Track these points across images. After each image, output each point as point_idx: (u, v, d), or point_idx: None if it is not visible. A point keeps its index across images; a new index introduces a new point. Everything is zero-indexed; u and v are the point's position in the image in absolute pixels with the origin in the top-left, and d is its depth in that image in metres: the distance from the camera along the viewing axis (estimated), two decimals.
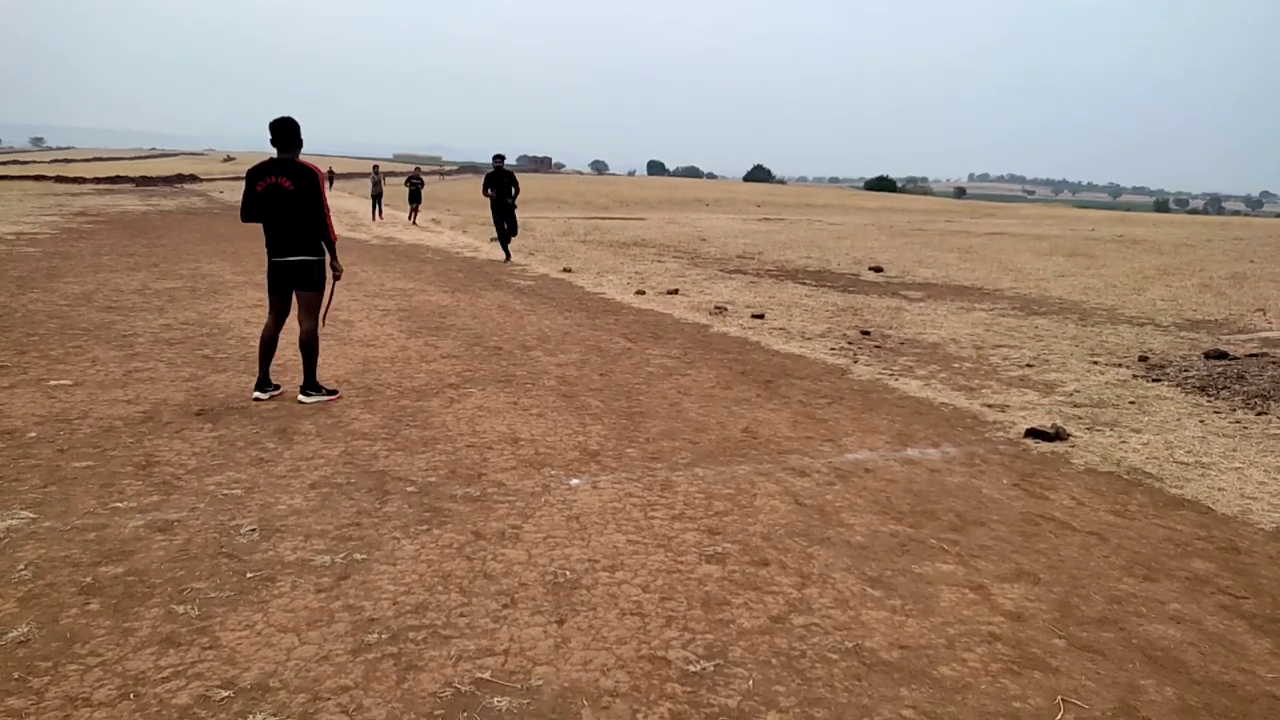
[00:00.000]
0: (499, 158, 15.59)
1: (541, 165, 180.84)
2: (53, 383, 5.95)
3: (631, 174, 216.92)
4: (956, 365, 7.83)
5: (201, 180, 55.71)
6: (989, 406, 6.39)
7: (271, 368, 5.90)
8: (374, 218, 25.42)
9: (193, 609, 3.03)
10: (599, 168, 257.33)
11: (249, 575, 3.30)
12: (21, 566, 3.28)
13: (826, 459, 5.03)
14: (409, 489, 4.29)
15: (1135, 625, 3.24)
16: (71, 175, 54.65)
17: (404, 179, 26.25)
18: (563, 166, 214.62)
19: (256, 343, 7.32)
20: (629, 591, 3.33)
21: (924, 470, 4.90)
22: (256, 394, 5.72)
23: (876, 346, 8.58)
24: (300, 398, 5.69)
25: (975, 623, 3.20)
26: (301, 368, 5.79)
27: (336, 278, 5.87)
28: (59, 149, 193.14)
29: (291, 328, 5.77)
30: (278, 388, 5.88)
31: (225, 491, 4.14)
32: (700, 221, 31.51)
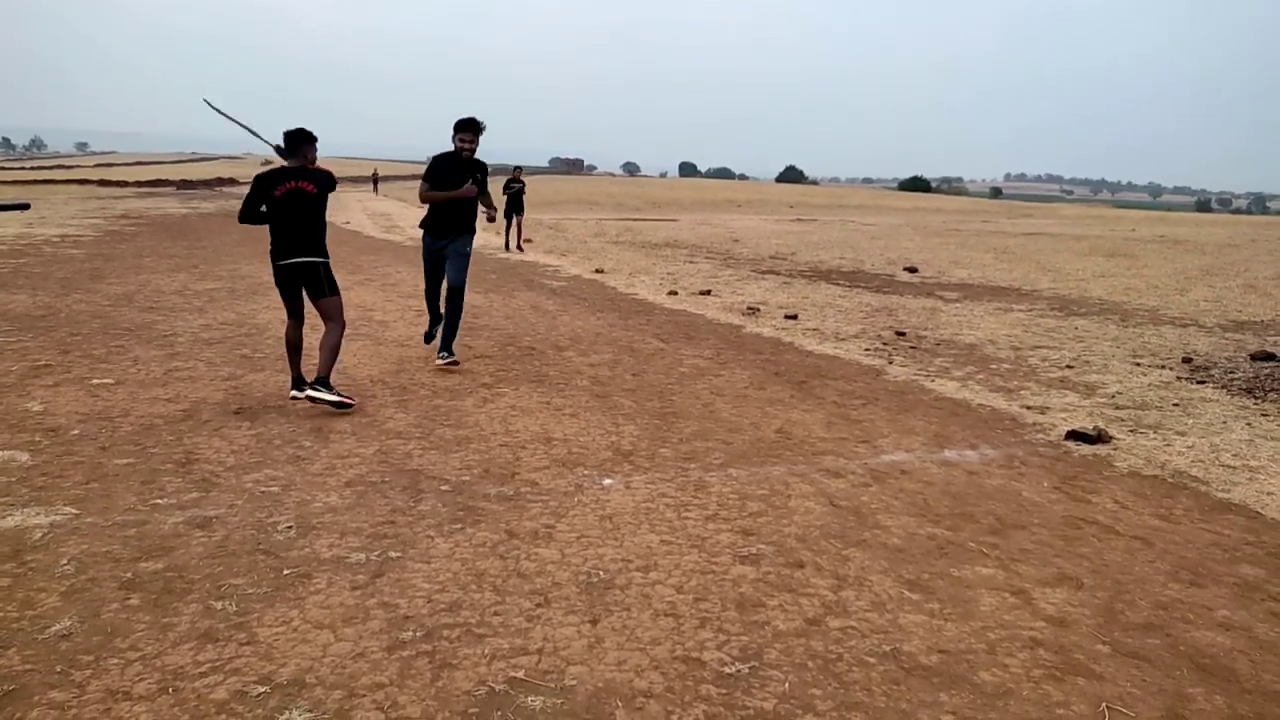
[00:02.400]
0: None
1: (574, 167, 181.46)
2: (95, 381, 6.06)
3: (663, 175, 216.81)
4: (994, 366, 7.71)
5: (240, 183, 56.43)
6: (1028, 408, 6.29)
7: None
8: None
9: (230, 605, 3.05)
10: (630, 169, 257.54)
11: (286, 572, 3.32)
12: (64, 561, 3.33)
13: (862, 460, 4.98)
14: (443, 488, 4.30)
15: (1182, 632, 3.16)
16: (114, 179, 55.81)
17: (507, 186, 18.20)
18: (594, 169, 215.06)
19: None
20: (663, 592, 3.30)
21: (962, 472, 4.83)
22: (294, 393, 5.71)
23: (912, 347, 8.48)
24: (309, 391, 5.51)
25: (1016, 627, 3.14)
26: (319, 363, 5.64)
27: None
28: (102, 153, 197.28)
29: (317, 325, 5.81)
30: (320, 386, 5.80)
31: (263, 489, 4.18)
32: (732, 222, 31.43)
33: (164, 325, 8.24)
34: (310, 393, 5.52)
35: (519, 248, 17.62)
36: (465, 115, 6.67)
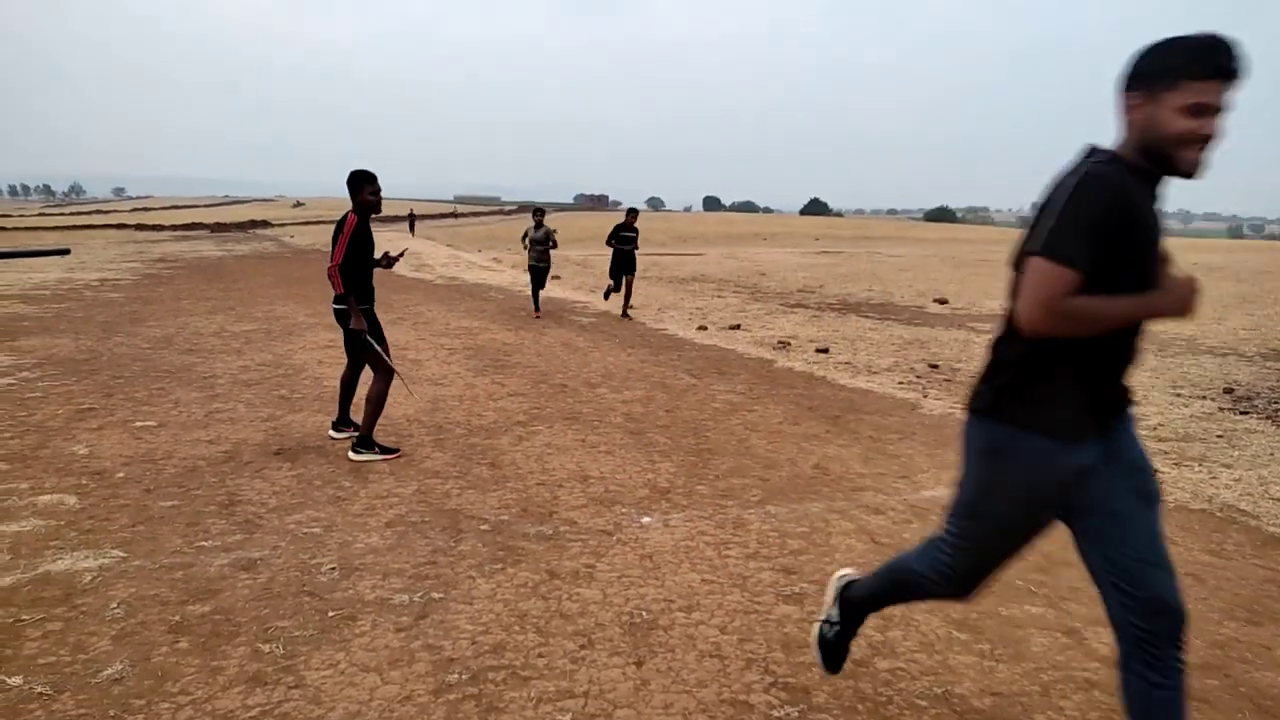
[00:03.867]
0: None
1: (597, 203, 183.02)
2: (138, 424, 6.15)
3: (688, 210, 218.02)
4: None
5: (273, 225, 57.70)
6: None
7: (353, 409, 5.99)
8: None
9: (278, 648, 3.07)
10: (655, 204, 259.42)
11: (330, 614, 3.34)
12: (114, 605, 3.37)
13: (901, 496, 4.93)
14: (482, 527, 4.31)
15: (1241, 672, 3.08)
16: (151, 223, 57.11)
17: (609, 234, 13.74)
18: (619, 204, 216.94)
19: (331, 384, 7.54)
20: (707, 633, 3.28)
21: None
22: (331, 432, 5.82)
23: (946, 380, 8.41)
24: (350, 454, 5.43)
25: (1070, 669, 3.08)
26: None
27: (354, 334, 5.57)
28: (138, 198, 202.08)
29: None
30: (356, 428, 5.79)
31: (305, 530, 4.21)
32: (759, 256, 31.50)
33: (203, 367, 8.36)
34: (350, 455, 5.43)
35: (625, 314, 13.10)
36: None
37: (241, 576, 3.66)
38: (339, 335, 5.61)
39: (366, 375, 5.80)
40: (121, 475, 4.99)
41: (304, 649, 3.07)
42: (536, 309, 13.11)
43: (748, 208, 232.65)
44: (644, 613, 3.43)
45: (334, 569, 3.76)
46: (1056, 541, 4.23)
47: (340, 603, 3.44)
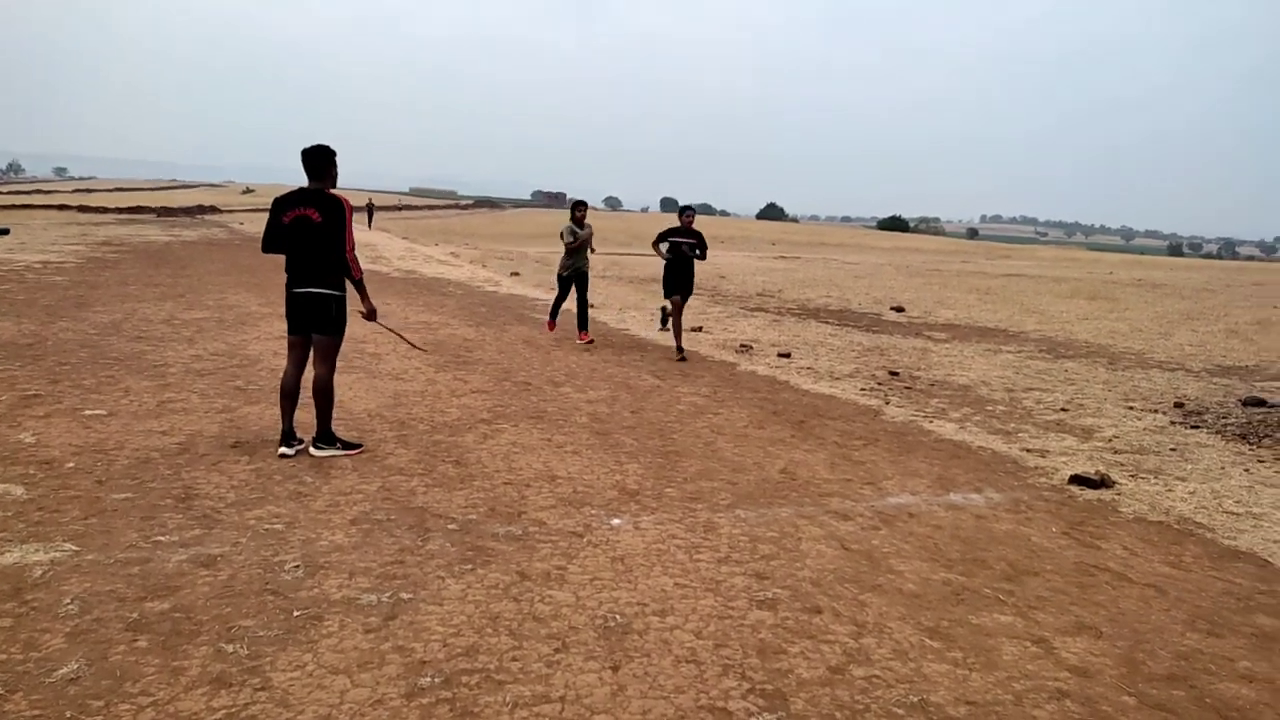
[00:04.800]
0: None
1: (554, 201, 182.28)
2: (87, 412, 5.94)
3: (645, 210, 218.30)
4: (990, 408, 7.75)
5: (222, 211, 56.31)
6: (1028, 451, 6.30)
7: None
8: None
9: (242, 648, 2.97)
10: (613, 204, 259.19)
11: (296, 614, 3.24)
12: (67, 600, 3.23)
13: (868, 502, 4.95)
14: (450, 526, 4.23)
15: (1206, 683, 3.14)
16: (94, 205, 55.38)
17: (665, 239, 10.10)
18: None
19: None
20: (682, 637, 3.25)
21: (969, 516, 4.81)
22: (282, 449, 5.21)
23: (907, 388, 8.50)
24: (312, 450, 5.26)
25: (1041, 678, 3.11)
26: (315, 416, 5.35)
27: (368, 318, 5.59)
28: (81, 179, 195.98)
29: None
30: (302, 441, 5.36)
31: (266, 526, 4.09)
32: (717, 258, 31.53)
33: (154, 355, 8.11)
34: (313, 450, 5.26)
35: (680, 354, 9.55)
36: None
37: (201, 573, 3.54)
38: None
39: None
40: (71, 465, 4.80)
41: (269, 649, 2.97)
42: (553, 320, 10.86)
43: (705, 210, 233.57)
44: (618, 616, 3.38)
45: (298, 567, 3.65)
46: (1021, 551, 4.30)
47: (305, 602, 3.34)
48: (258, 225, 41.04)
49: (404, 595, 3.45)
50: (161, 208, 55.93)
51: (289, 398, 5.33)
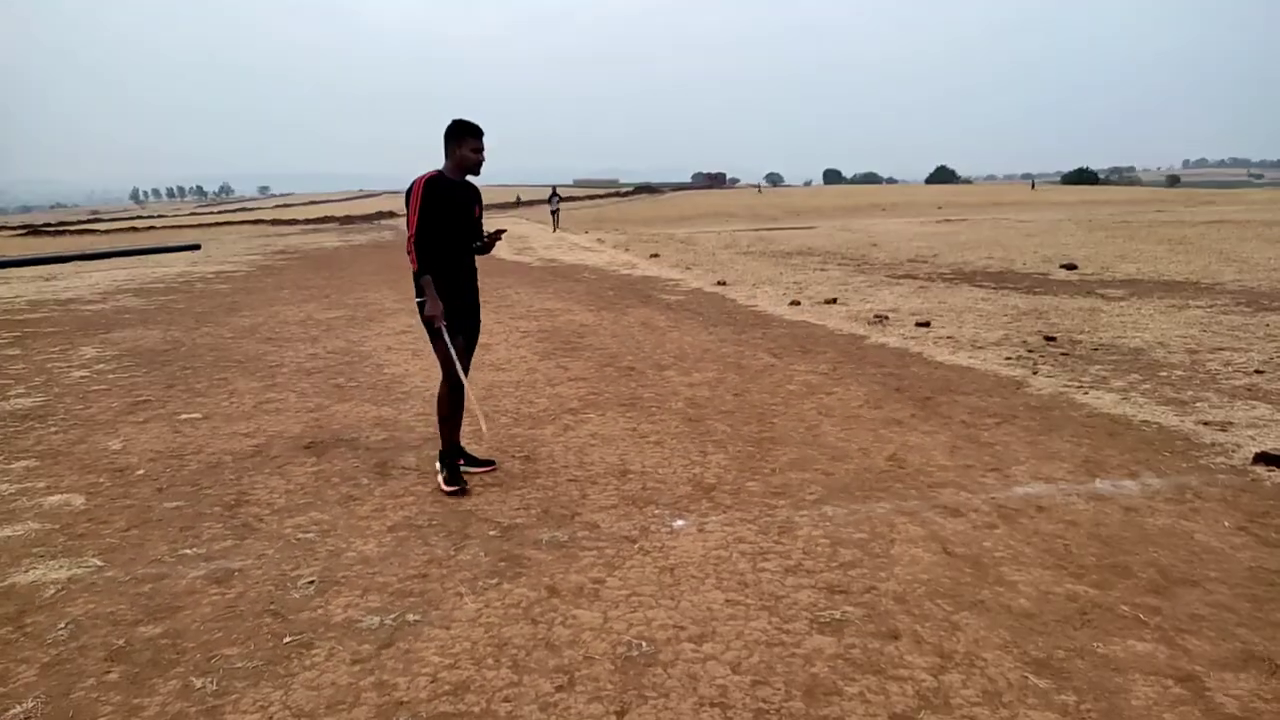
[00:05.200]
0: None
1: (715, 182, 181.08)
2: (183, 416, 6.00)
3: (807, 184, 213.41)
4: (1164, 374, 6.60)
5: (398, 215, 59.28)
6: (1206, 425, 5.24)
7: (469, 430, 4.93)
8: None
9: (211, 683, 2.67)
10: (774, 180, 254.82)
11: (287, 640, 2.93)
12: (62, 625, 3.06)
13: (989, 494, 4.17)
14: (491, 532, 3.84)
15: None
16: (286, 218, 59.75)
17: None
18: (737, 181, 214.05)
19: (393, 370, 7.27)
20: (714, 671, 2.69)
21: (1117, 509, 3.95)
22: (463, 466, 4.57)
23: (1063, 354, 7.43)
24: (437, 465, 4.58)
25: None
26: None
27: (425, 324, 4.37)
28: (282, 195, 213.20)
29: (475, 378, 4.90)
30: (492, 464, 4.70)
31: (300, 535, 3.84)
32: (874, 227, 30.05)
33: (274, 356, 8.26)
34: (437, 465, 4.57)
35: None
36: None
37: (211, 591, 3.31)
38: (417, 320, 4.55)
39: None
40: (141, 473, 4.77)
41: (240, 685, 2.66)
42: None
43: (870, 179, 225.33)
44: (645, 643, 2.87)
45: (312, 583, 3.36)
46: (1179, 553, 3.43)
47: (302, 625, 3.03)
48: None
49: (410, 618, 3.07)
50: (345, 216, 59.62)
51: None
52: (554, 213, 34.71)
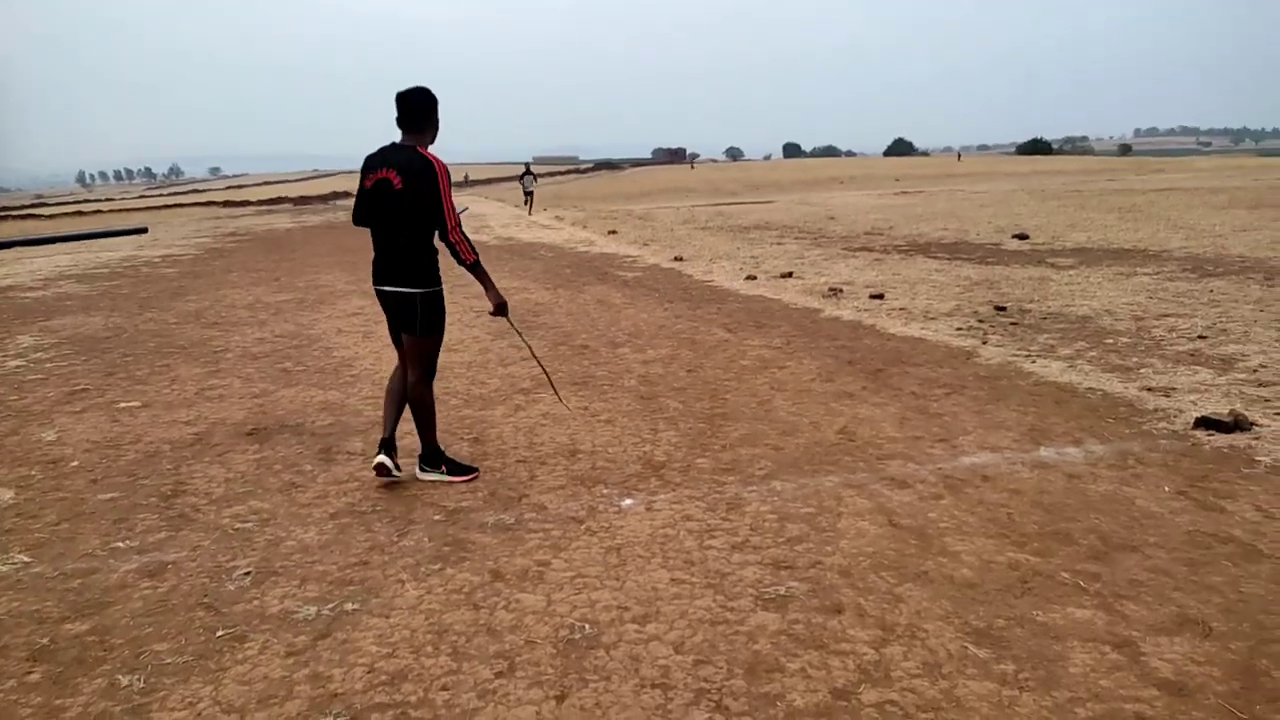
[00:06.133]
0: None
1: (675, 157, 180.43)
2: (122, 405, 5.83)
3: (767, 158, 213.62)
4: (1110, 341, 6.69)
5: (352, 195, 58.42)
6: (1149, 390, 5.31)
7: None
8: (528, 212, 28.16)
9: (139, 680, 2.59)
10: (734, 154, 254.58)
11: (220, 633, 2.85)
12: None
13: (936, 464, 4.19)
14: (435, 517, 3.77)
15: None
16: (238, 200, 58.48)
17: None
18: (696, 156, 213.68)
19: (343, 354, 7.10)
20: (657, 652, 2.67)
21: (1060, 476, 3.99)
22: (380, 458, 4.08)
23: (1013, 324, 7.50)
24: (416, 473, 4.24)
25: (1118, 699, 2.36)
26: (416, 432, 4.27)
27: (498, 314, 4.27)
28: (233, 176, 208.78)
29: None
30: (398, 470, 4.18)
31: (238, 525, 3.75)
32: (832, 200, 30.15)
33: (219, 341, 8.07)
34: (417, 473, 4.24)
35: None
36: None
37: (143, 585, 3.21)
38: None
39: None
40: (75, 464, 4.63)
41: (169, 681, 2.58)
42: None
43: (829, 153, 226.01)
44: (588, 625, 2.84)
45: (248, 574, 3.27)
46: (1119, 519, 3.47)
47: (236, 618, 2.95)
48: None
49: (349, 606, 3.01)
50: (300, 197, 58.49)
51: (392, 397, 4.27)
52: (528, 194, 30.98)
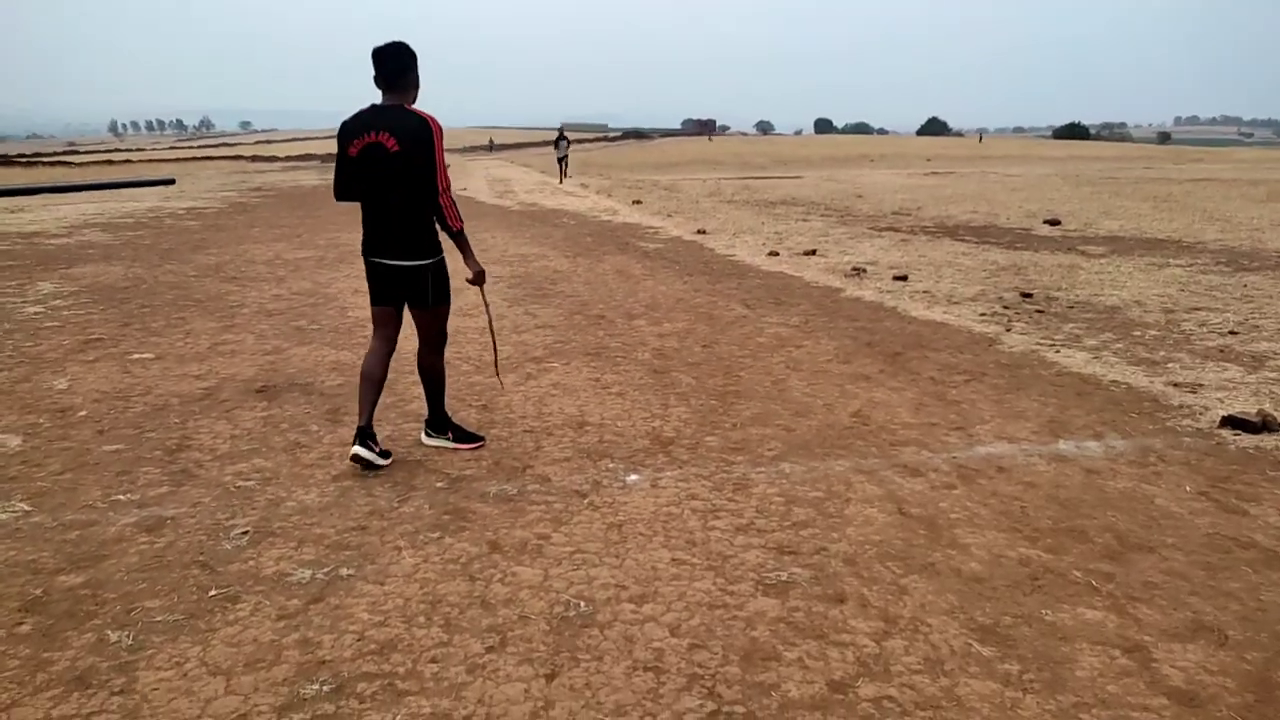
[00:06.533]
0: None
1: (705, 128, 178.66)
2: (135, 356, 5.83)
3: (798, 133, 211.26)
4: (1138, 333, 6.53)
5: None
6: (1175, 385, 5.17)
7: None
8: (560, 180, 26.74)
9: (127, 637, 2.56)
10: (764, 128, 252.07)
11: (213, 593, 2.82)
12: None
13: (950, 453, 4.09)
14: (438, 484, 3.73)
15: None
16: (265, 155, 58.58)
17: None
18: (727, 129, 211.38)
19: (358, 314, 7.04)
20: (652, 633, 2.61)
21: (1078, 470, 3.88)
22: (355, 449, 3.79)
23: (1038, 311, 7.34)
24: (422, 437, 4.19)
25: (1124, 706, 2.28)
26: (425, 397, 4.20)
27: (476, 283, 4.04)
28: (263, 131, 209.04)
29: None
30: (386, 455, 3.93)
31: (240, 483, 3.72)
32: (860, 178, 29.77)
33: (236, 296, 8.06)
34: (423, 438, 4.17)
35: None
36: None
37: (140, 539, 3.19)
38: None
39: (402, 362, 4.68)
40: (84, 414, 4.63)
41: (157, 640, 2.55)
42: None
43: (861, 129, 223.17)
44: (584, 603, 2.78)
45: (246, 533, 3.24)
46: (1137, 517, 3.37)
47: (231, 578, 2.92)
48: None
49: (344, 571, 2.97)
50: (328, 154, 58.48)
51: (371, 383, 3.87)
52: (561, 160, 29.22)
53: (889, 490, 3.67)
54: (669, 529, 3.31)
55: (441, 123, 3.68)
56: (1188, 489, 3.68)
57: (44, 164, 44.39)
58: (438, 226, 3.83)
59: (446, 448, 4.13)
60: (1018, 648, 2.55)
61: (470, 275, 4.01)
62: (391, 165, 3.59)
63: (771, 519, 3.39)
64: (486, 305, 4.57)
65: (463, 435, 4.20)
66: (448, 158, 3.88)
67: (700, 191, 22.84)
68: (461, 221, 3.82)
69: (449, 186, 3.72)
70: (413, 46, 3.69)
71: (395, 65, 3.62)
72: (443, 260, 3.91)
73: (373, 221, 3.79)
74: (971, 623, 2.68)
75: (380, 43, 3.65)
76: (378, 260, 3.84)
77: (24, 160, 47.36)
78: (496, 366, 4.90)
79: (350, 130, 3.65)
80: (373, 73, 3.63)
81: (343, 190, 3.81)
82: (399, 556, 3.08)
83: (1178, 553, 3.13)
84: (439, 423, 4.18)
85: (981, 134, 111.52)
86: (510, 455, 4.08)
